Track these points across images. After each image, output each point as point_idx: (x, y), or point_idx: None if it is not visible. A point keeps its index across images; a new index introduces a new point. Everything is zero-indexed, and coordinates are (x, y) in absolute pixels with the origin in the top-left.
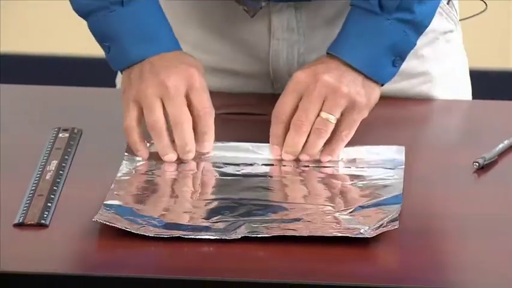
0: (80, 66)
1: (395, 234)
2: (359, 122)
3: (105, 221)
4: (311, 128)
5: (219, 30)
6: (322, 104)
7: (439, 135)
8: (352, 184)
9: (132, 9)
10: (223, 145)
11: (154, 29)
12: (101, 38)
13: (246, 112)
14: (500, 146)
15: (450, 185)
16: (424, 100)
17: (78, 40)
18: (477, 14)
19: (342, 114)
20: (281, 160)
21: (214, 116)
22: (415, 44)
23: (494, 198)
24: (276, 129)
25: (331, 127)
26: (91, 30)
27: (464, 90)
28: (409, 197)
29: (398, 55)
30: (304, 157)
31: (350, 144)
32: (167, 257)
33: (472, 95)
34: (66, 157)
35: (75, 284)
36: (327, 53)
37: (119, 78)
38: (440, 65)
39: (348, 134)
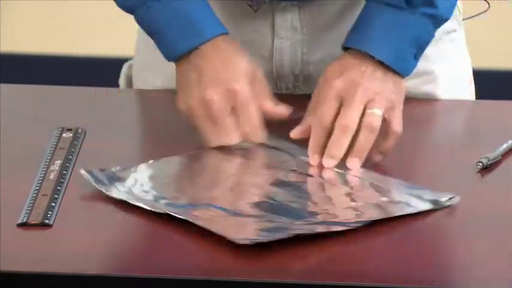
0: (81, 66)
1: (397, 233)
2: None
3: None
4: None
5: None
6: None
7: (442, 135)
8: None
9: (167, 2)
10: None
11: (194, 18)
12: (148, 33)
13: None
14: (504, 146)
15: (454, 185)
16: (428, 100)
17: (78, 40)
18: (479, 14)
19: (384, 115)
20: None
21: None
22: (434, 36)
23: (498, 198)
24: (317, 137)
25: (380, 121)
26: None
27: (467, 90)
28: None
29: (420, 47)
30: (353, 162)
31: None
32: (171, 257)
33: (475, 95)
34: (70, 157)
35: (78, 284)
36: (346, 47)
37: (122, 78)
38: (444, 64)
39: (399, 129)
